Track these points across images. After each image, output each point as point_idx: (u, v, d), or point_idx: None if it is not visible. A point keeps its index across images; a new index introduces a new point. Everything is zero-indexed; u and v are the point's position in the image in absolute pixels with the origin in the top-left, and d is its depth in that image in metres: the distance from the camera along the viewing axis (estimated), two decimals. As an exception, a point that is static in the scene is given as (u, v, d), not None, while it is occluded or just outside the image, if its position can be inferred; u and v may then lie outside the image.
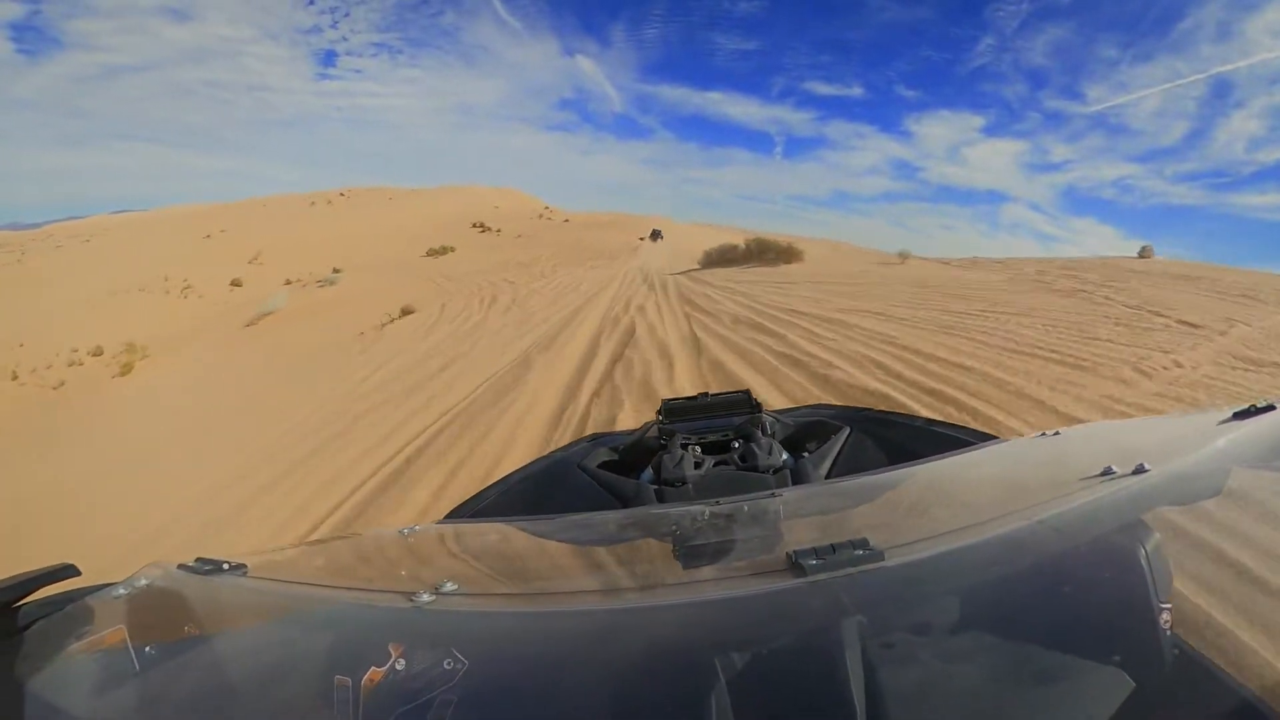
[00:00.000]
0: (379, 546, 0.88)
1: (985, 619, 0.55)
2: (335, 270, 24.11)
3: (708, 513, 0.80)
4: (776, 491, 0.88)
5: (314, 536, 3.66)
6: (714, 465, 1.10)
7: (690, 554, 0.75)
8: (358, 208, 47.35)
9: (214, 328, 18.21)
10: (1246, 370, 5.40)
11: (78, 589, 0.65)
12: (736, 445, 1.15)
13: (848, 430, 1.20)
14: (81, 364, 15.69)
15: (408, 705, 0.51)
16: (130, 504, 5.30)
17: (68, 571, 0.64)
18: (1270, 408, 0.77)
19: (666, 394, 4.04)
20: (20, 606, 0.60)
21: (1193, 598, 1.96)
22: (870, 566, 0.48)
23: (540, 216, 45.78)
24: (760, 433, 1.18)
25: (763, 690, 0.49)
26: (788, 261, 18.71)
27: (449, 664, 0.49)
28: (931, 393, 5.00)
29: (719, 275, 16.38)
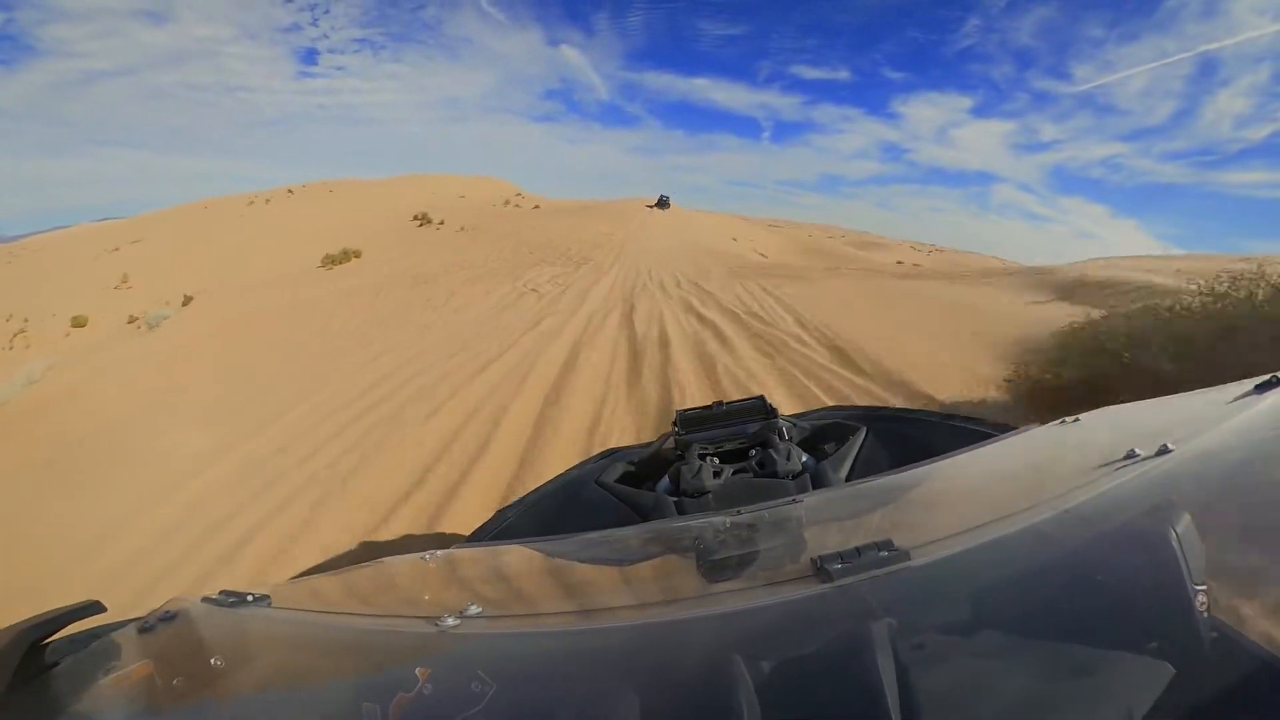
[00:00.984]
0: (400, 573, 0.88)
1: (1016, 614, 0.54)
2: (186, 298, 16.28)
3: (729, 523, 0.79)
4: (798, 497, 0.88)
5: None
6: (733, 474, 1.10)
7: (714, 565, 0.74)
8: (300, 204, 39.90)
9: None
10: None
11: (104, 625, 0.66)
12: (754, 452, 1.15)
13: (864, 430, 1.20)
14: None
15: None
16: None
17: (93, 608, 0.65)
18: None
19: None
20: (48, 644, 0.61)
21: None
22: (896, 567, 0.48)
23: (507, 204, 38.97)
24: (777, 438, 1.18)
25: (794, 700, 0.48)
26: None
27: (476, 687, 0.49)
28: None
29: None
